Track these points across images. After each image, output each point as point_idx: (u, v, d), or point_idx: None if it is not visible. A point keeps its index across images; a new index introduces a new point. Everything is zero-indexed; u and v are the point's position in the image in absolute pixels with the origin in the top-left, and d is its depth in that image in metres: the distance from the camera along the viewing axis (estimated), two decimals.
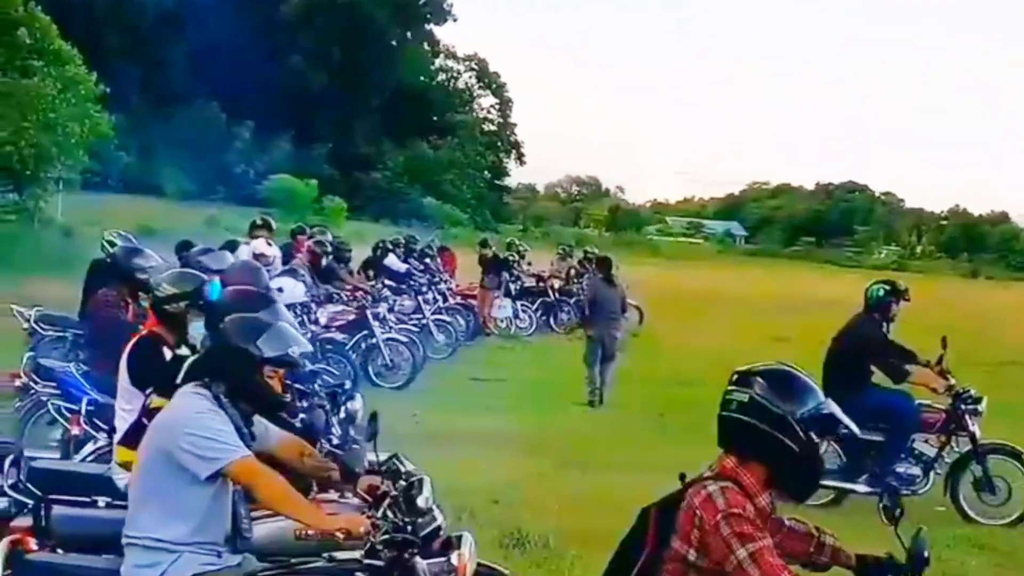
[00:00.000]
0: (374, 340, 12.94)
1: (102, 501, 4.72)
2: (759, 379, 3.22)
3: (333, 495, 4.61)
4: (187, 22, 47.96)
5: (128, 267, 7.39)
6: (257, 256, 12.21)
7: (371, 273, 16.99)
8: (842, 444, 8.12)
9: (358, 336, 12.83)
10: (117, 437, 5.32)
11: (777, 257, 75.33)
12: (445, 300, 17.56)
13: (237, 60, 45.54)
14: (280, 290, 9.79)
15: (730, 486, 3.12)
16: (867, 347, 8.60)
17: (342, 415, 6.10)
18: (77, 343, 9.31)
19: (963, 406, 8.33)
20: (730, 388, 3.25)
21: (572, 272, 21.89)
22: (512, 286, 20.10)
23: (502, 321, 19.22)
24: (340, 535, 3.77)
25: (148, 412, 4.65)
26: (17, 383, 7.66)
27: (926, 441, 8.45)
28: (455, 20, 69.63)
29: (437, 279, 18.59)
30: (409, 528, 3.98)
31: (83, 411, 6.58)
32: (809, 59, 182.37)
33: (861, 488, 8.25)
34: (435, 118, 65.51)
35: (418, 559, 3.94)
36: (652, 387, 14.51)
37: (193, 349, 5.39)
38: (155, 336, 5.58)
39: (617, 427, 11.78)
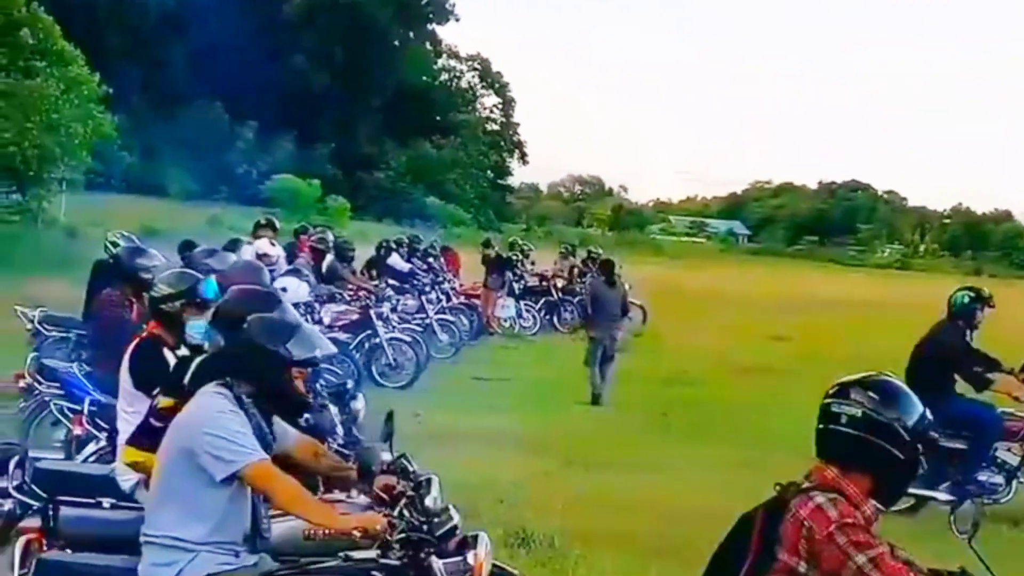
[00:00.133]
0: (378, 340, 12.95)
1: (106, 502, 4.72)
2: (869, 392, 3.23)
3: (340, 495, 4.62)
4: (189, 22, 47.99)
5: (132, 267, 7.39)
6: (260, 256, 12.17)
7: (374, 273, 17.01)
8: (925, 452, 8.05)
9: (362, 336, 12.83)
10: (121, 437, 5.31)
11: (780, 256, 75.31)
12: (448, 300, 17.58)
13: (239, 60, 45.60)
14: (284, 290, 9.78)
15: (838, 497, 3.14)
16: (950, 355, 8.49)
17: (345, 414, 6.11)
18: (81, 344, 9.31)
19: None
20: (836, 401, 3.25)
21: (575, 271, 21.91)
22: (515, 286, 20.12)
23: (506, 321, 19.23)
24: (357, 533, 3.80)
25: (156, 412, 4.65)
26: (21, 384, 7.66)
27: (1008, 449, 8.40)
28: (457, 20, 69.69)
29: (440, 279, 18.62)
30: (425, 527, 3.99)
31: (85, 411, 6.59)
32: (811, 58, 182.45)
33: (942, 496, 8.13)
34: (438, 118, 65.53)
35: (434, 558, 3.95)
36: (656, 386, 14.53)
37: (192, 348, 5.40)
38: (155, 337, 5.58)
39: (621, 426, 11.79)
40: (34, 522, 4.43)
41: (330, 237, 15.38)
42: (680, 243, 78.85)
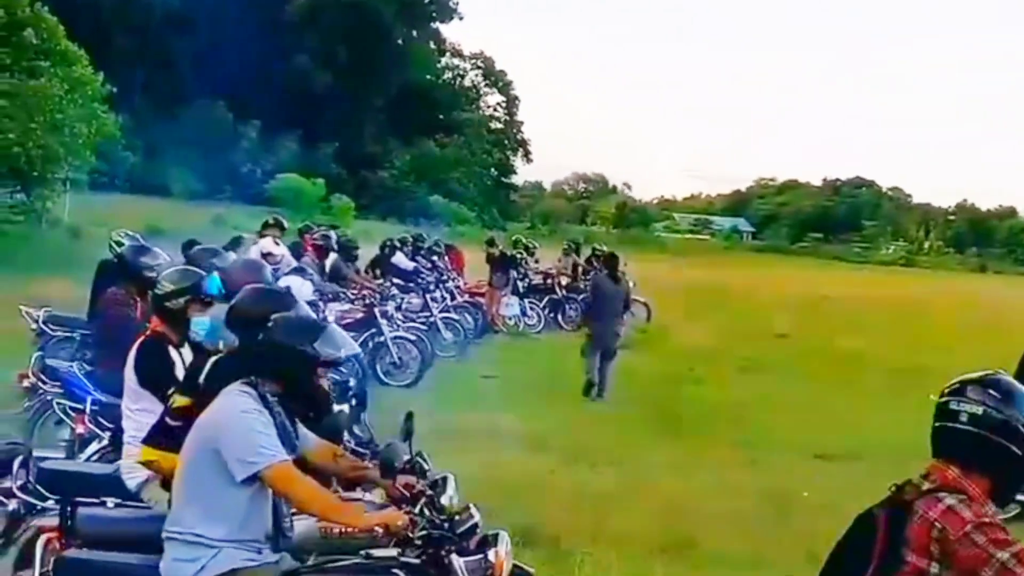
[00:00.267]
0: (382, 338, 12.95)
1: (111, 501, 4.72)
2: (989, 390, 3.17)
3: (358, 493, 4.62)
4: (193, 22, 48.07)
5: (136, 266, 7.39)
6: (265, 255, 12.20)
7: (379, 272, 17.01)
8: None
9: (366, 334, 12.80)
10: (127, 436, 5.32)
11: (784, 253, 75.19)
12: (453, 298, 17.57)
13: (243, 60, 45.65)
14: (288, 289, 9.77)
15: (965, 497, 3.12)
16: None
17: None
18: (85, 343, 9.31)
19: None
20: (954, 399, 3.20)
21: (580, 269, 21.91)
22: (520, 284, 20.12)
23: (510, 319, 19.22)
24: (379, 530, 3.83)
25: (172, 411, 4.65)
26: (25, 383, 7.67)
27: None
28: (461, 19, 70.06)
29: (445, 277, 18.61)
30: (446, 525, 4.00)
31: (88, 410, 6.60)
32: (815, 55, 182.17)
33: None
34: (441, 116, 65.61)
35: (454, 556, 3.96)
36: (660, 383, 14.52)
37: (195, 346, 5.39)
38: (159, 335, 5.56)
39: (626, 424, 11.76)
40: (52, 521, 4.44)
41: (334, 236, 15.40)
42: (684, 240, 78.78)
